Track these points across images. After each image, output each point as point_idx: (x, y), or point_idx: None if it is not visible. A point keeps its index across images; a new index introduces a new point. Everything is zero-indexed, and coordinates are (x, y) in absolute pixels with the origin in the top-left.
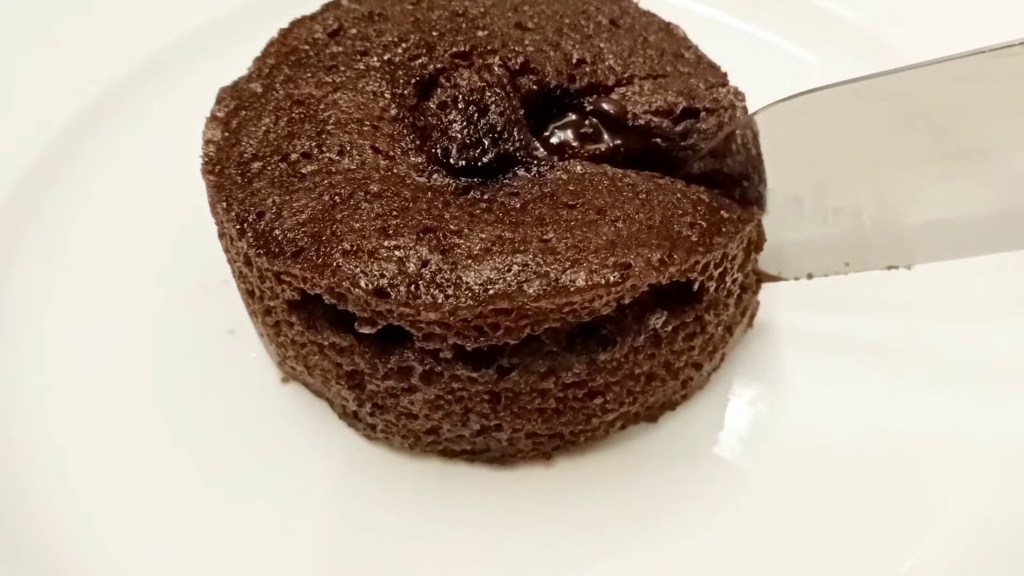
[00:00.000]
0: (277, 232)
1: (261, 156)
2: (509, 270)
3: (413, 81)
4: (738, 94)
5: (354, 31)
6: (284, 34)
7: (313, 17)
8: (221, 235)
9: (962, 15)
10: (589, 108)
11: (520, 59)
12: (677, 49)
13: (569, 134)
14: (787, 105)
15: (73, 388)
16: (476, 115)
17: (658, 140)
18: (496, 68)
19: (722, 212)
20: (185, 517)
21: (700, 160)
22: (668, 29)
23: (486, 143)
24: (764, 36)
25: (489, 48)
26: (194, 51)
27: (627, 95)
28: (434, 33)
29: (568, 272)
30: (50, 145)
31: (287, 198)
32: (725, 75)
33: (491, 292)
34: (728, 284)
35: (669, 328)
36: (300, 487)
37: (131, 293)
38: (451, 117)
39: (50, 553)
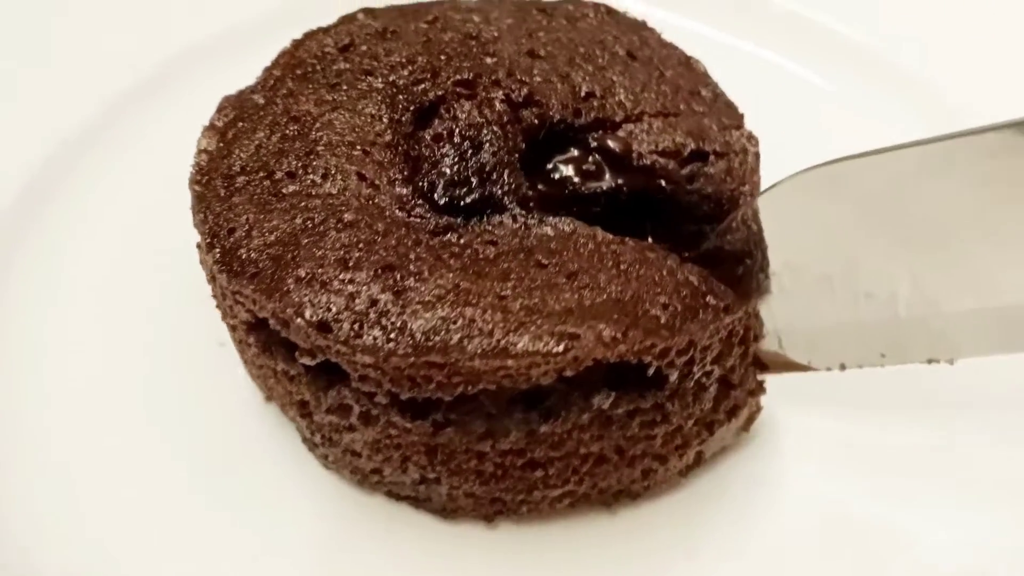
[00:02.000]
0: (242, 251)
1: (248, 171)
2: (455, 323)
3: (412, 107)
4: (751, 138)
5: (364, 48)
6: (296, 45)
7: (327, 30)
8: (198, 246)
9: (979, 38)
10: (593, 144)
11: (524, 91)
12: (694, 86)
13: (571, 169)
14: (817, 173)
15: (62, 398)
16: (468, 152)
17: (662, 182)
18: (498, 103)
19: (707, 298)
20: (148, 528)
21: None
22: (688, 63)
23: (473, 182)
24: (775, 59)
25: (493, 78)
26: (207, 60)
27: (634, 133)
28: (442, 57)
29: (512, 334)
30: (53, 154)
31: (261, 217)
32: (741, 116)
33: (429, 343)
34: (697, 376)
35: (620, 411)
36: (258, 507)
37: (127, 303)
38: (443, 150)
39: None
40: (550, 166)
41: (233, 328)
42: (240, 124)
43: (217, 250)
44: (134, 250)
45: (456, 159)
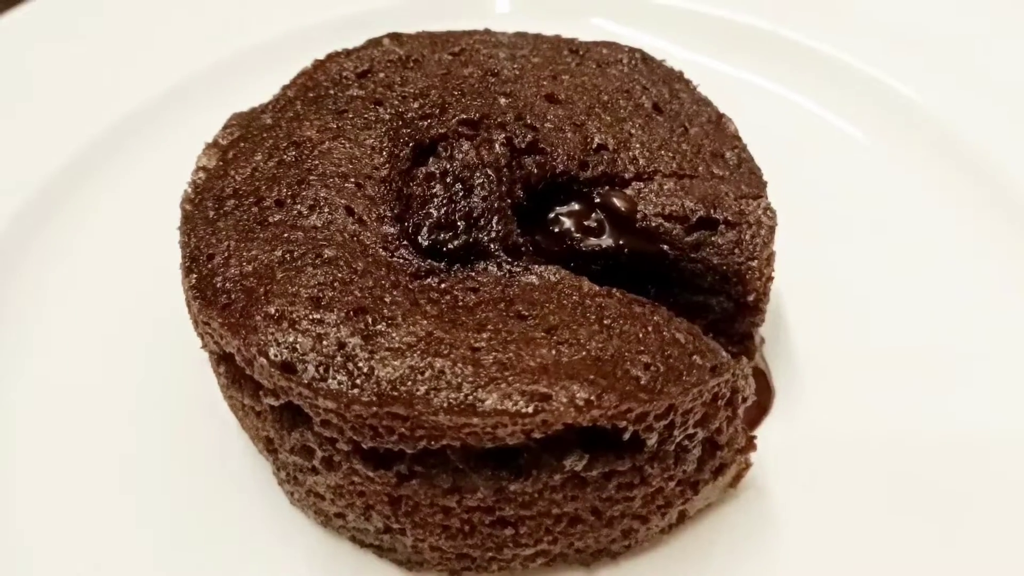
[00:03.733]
0: (218, 279)
1: (239, 194)
2: (422, 373)
3: (412, 143)
4: (769, 211)
5: (382, 75)
6: (316, 67)
7: (349, 53)
8: (180, 268)
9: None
10: (597, 200)
11: (528, 138)
12: (719, 147)
13: (571, 223)
14: None
15: (50, 401)
16: (458, 194)
17: (666, 247)
18: (498, 146)
19: (694, 357)
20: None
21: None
22: (718, 123)
23: (460, 227)
24: (808, 106)
25: (500, 120)
26: (232, 75)
27: (643, 192)
28: (455, 92)
29: (481, 390)
30: (57, 175)
31: (242, 245)
32: (763, 185)
33: (394, 393)
34: (679, 439)
35: (595, 473)
36: (223, 540)
37: (122, 315)
38: (433, 190)
39: None
40: (551, 216)
41: (210, 353)
42: (242, 144)
43: (194, 275)
44: (135, 264)
45: (444, 201)
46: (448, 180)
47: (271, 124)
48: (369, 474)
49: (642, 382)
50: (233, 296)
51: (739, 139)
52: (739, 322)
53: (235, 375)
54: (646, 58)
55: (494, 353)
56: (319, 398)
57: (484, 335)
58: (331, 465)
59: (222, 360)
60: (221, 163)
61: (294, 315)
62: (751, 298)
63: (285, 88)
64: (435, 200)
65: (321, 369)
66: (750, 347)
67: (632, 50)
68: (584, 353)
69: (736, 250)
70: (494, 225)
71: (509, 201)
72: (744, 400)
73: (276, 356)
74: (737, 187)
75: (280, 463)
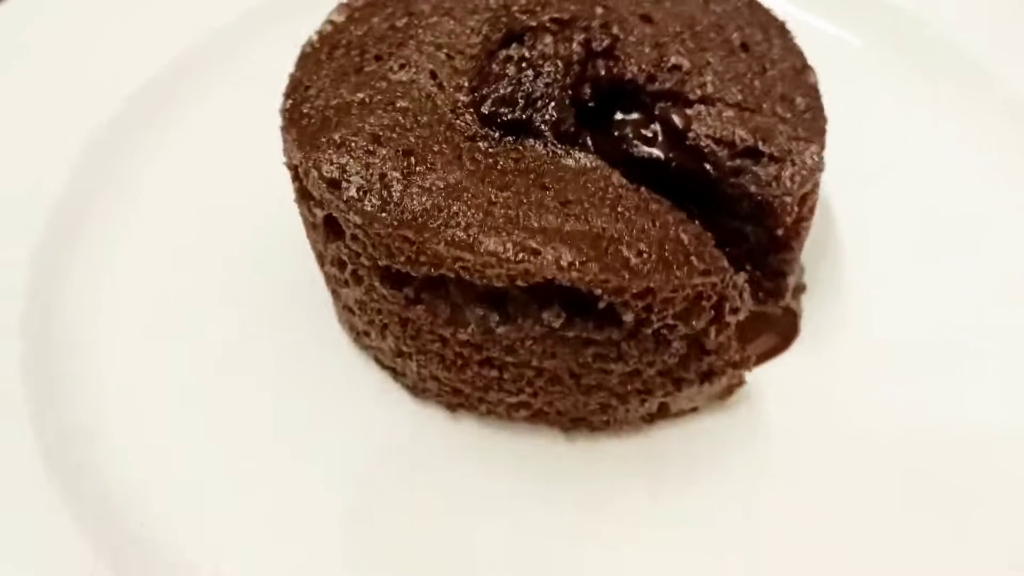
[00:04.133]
0: (306, 106)
1: (349, 45)
2: (440, 210)
3: (505, 30)
4: (816, 155)
5: None
6: None
7: None
8: None
9: None
10: (657, 112)
11: (605, 43)
12: (791, 92)
13: (629, 129)
14: None
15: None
16: (526, 78)
17: (708, 167)
18: (575, 44)
19: (691, 258)
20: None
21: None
22: (801, 71)
23: (519, 104)
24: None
25: (585, 24)
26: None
27: (702, 114)
28: None
29: (482, 234)
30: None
31: (335, 84)
32: (821, 133)
33: (409, 219)
34: (656, 325)
35: (571, 335)
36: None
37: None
38: (507, 71)
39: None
40: (613, 119)
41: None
42: (368, 7)
43: (290, 100)
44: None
45: (513, 81)
46: (522, 65)
47: None
48: (384, 292)
49: (630, 263)
50: (312, 121)
51: (815, 90)
52: (772, 256)
53: (302, 190)
54: (752, 3)
55: (507, 209)
56: (351, 213)
57: (505, 194)
58: (357, 280)
59: (295, 178)
60: (346, 20)
61: (353, 144)
62: (780, 232)
63: None
64: (505, 79)
65: (360, 192)
66: (781, 285)
67: None
68: (587, 228)
69: (774, 183)
70: (550, 110)
71: (570, 93)
72: (734, 312)
73: (327, 173)
74: (794, 129)
75: (325, 276)
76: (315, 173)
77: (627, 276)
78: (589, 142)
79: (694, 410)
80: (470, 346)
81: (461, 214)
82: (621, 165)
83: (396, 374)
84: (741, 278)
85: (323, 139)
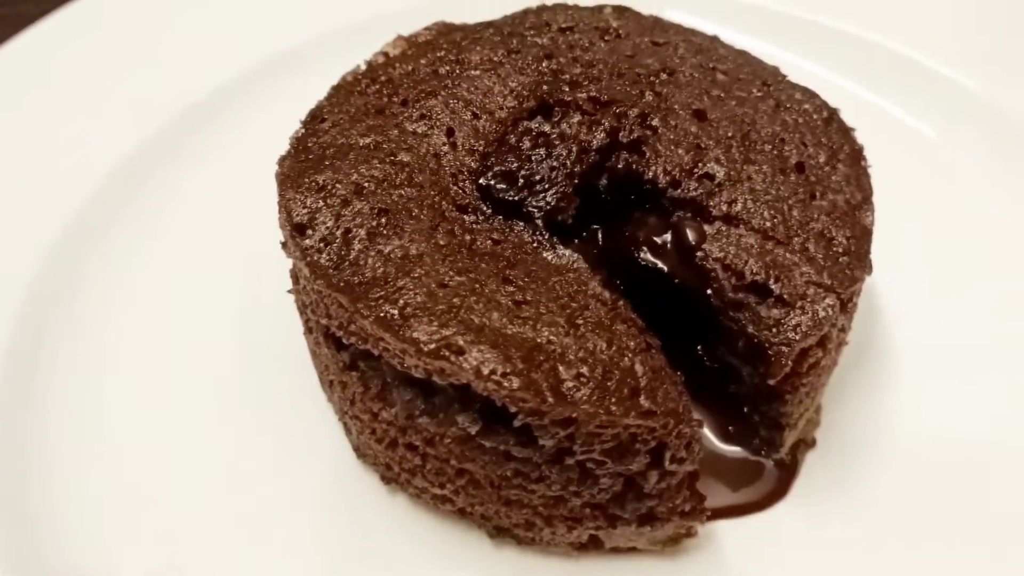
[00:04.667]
0: (311, 140)
1: (386, 83)
2: (384, 282)
3: (539, 99)
4: (831, 309)
5: (576, 36)
6: (538, 9)
7: (569, 8)
8: None
9: None
10: (674, 220)
11: (634, 135)
12: (834, 229)
13: (641, 232)
14: None
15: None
16: (537, 157)
17: (710, 294)
18: (601, 132)
19: (638, 393)
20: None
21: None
22: (856, 207)
23: (519, 184)
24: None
25: (622, 111)
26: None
27: (720, 233)
28: (616, 73)
29: (413, 318)
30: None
31: (352, 119)
32: (850, 289)
33: (348, 285)
34: (580, 457)
35: (488, 444)
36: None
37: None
38: (522, 145)
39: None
40: (629, 218)
41: None
42: (423, 46)
43: (302, 131)
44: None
45: (523, 157)
46: (539, 141)
47: (458, 40)
48: (325, 349)
49: (561, 386)
50: (308, 157)
51: (866, 232)
52: (766, 405)
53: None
54: (832, 119)
55: (454, 296)
56: (303, 263)
57: (460, 278)
58: (309, 329)
59: None
60: (399, 55)
61: (333, 190)
62: (772, 382)
63: (506, 17)
64: (517, 153)
65: (321, 243)
66: (776, 437)
67: (826, 107)
68: (531, 335)
69: (773, 328)
70: (548, 195)
71: (577, 182)
72: (679, 461)
73: (296, 216)
74: (819, 273)
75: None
76: (284, 214)
77: (550, 399)
78: (599, 235)
79: (634, 550)
80: (395, 427)
81: (404, 291)
82: (623, 268)
83: (348, 429)
84: (692, 428)
85: (307, 179)
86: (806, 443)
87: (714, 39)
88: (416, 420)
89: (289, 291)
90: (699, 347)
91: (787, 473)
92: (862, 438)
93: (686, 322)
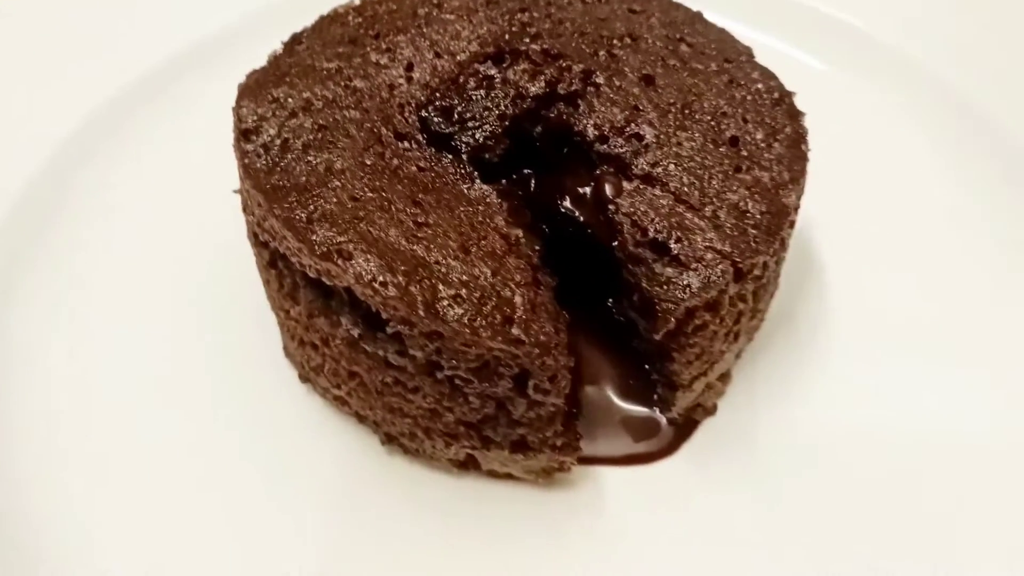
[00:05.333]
0: (285, 60)
1: (366, 18)
2: (303, 191)
3: (497, 48)
4: (724, 276)
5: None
6: None
7: None
8: None
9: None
10: (597, 173)
11: (572, 88)
12: (750, 204)
13: (569, 181)
14: None
15: (88, 380)
16: (475, 97)
17: (615, 246)
18: (541, 81)
19: (509, 322)
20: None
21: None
22: (780, 186)
23: (453, 119)
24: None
25: (567, 66)
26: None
27: (636, 190)
28: (578, 32)
29: (316, 223)
30: (70, 141)
31: (324, 45)
32: (749, 257)
33: (274, 186)
34: (447, 372)
35: (368, 349)
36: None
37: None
38: (467, 85)
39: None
40: (559, 165)
41: None
42: None
43: (279, 52)
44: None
45: (464, 96)
46: (483, 83)
47: None
48: (253, 248)
49: (435, 302)
50: (272, 74)
51: (785, 213)
52: (659, 363)
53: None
54: (781, 101)
55: (361, 209)
56: (242, 164)
57: (372, 195)
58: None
59: None
60: None
61: (284, 103)
62: (656, 337)
63: None
64: (460, 91)
65: (260, 148)
66: (669, 397)
67: (778, 89)
68: (422, 254)
69: (663, 286)
70: (477, 135)
71: (507, 125)
72: (543, 392)
73: (244, 120)
74: (723, 242)
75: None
76: (235, 118)
77: (420, 312)
78: (533, 181)
79: (511, 476)
80: (300, 325)
81: (317, 198)
82: (548, 214)
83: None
84: (556, 361)
85: (264, 92)
86: (705, 408)
87: (696, 15)
88: (314, 319)
89: (235, 191)
90: (609, 300)
91: (679, 434)
92: (765, 414)
93: (600, 274)
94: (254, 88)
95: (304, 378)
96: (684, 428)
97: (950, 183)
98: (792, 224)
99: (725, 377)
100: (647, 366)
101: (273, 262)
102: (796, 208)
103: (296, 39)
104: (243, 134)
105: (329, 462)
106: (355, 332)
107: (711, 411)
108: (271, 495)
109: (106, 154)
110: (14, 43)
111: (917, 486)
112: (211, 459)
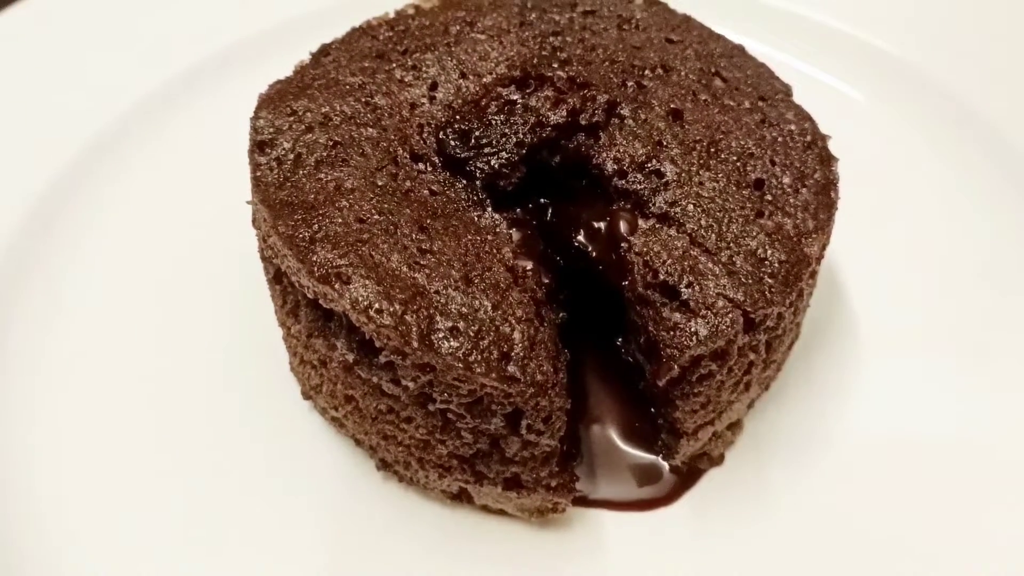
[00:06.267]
0: (311, 71)
1: (398, 32)
2: (309, 209)
3: (522, 72)
4: (733, 327)
5: (593, 19)
6: None
7: None
8: None
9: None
10: (613, 208)
11: (594, 120)
12: (770, 252)
13: (586, 214)
14: None
15: (85, 388)
16: (495, 122)
17: (625, 286)
18: (564, 110)
19: (505, 359)
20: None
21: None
22: (803, 235)
23: (470, 143)
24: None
25: (592, 95)
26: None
27: (651, 230)
28: (609, 59)
29: (318, 243)
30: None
31: (351, 59)
32: (762, 308)
33: (281, 201)
34: (439, 405)
35: (362, 375)
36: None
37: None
38: (489, 109)
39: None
40: (574, 198)
41: None
42: (452, 4)
43: (308, 61)
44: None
45: (484, 121)
46: (504, 108)
47: (484, 4)
48: (261, 262)
49: (432, 333)
50: (297, 84)
51: (805, 263)
52: (664, 408)
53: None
54: (813, 145)
55: (365, 232)
56: (253, 176)
57: (378, 217)
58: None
59: None
60: (427, 9)
61: (302, 117)
62: (660, 383)
63: None
64: (480, 115)
65: (274, 161)
66: (672, 444)
67: (811, 131)
68: (422, 282)
69: (670, 331)
70: (493, 161)
71: (524, 153)
72: (536, 432)
73: (260, 131)
74: (736, 289)
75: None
76: (252, 129)
77: (414, 343)
78: (549, 210)
79: (505, 513)
80: (300, 343)
81: (322, 217)
82: (562, 246)
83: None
84: (552, 403)
85: (283, 103)
86: (711, 458)
87: (737, 48)
88: (312, 340)
89: (248, 202)
90: (619, 339)
91: (681, 483)
92: (774, 468)
93: (611, 311)
94: (274, 99)
95: (306, 395)
96: (687, 477)
97: (985, 235)
98: (814, 275)
99: (735, 427)
100: (652, 410)
101: (278, 277)
102: (819, 259)
103: (324, 50)
104: (258, 146)
105: (325, 484)
106: (350, 357)
107: (717, 461)
108: (263, 515)
109: (126, 159)
110: (36, 49)
111: (934, 557)
112: (205, 473)
